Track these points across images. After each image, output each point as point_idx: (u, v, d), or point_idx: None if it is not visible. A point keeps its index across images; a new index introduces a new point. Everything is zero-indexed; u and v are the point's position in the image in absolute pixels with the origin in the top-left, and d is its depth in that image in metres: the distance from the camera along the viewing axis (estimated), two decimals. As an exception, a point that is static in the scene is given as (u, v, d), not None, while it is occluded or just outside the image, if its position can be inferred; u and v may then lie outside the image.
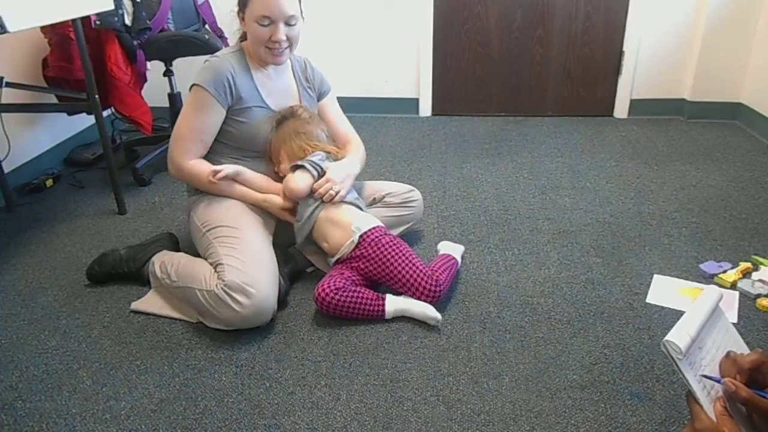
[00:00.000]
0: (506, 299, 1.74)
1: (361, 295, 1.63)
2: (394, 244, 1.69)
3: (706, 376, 0.77)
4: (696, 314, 0.80)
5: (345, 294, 1.62)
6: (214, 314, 1.58)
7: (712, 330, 0.81)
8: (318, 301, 1.62)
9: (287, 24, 1.73)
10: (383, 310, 1.63)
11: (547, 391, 1.40)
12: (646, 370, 1.46)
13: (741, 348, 0.83)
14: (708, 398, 0.76)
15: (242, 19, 1.78)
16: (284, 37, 1.73)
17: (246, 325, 1.58)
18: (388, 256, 1.67)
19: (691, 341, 0.76)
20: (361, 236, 1.70)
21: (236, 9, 1.79)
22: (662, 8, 3.15)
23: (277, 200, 1.80)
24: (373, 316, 1.64)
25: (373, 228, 1.72)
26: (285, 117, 1.83)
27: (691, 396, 0.77)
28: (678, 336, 0.76)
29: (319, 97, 1.99)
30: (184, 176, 1.81)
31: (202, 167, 1.78)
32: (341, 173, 1.79)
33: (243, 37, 1.86)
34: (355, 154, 1.93)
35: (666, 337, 0.76)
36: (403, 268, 1.66)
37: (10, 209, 2.39)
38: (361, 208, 1.82)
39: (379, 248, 1.68)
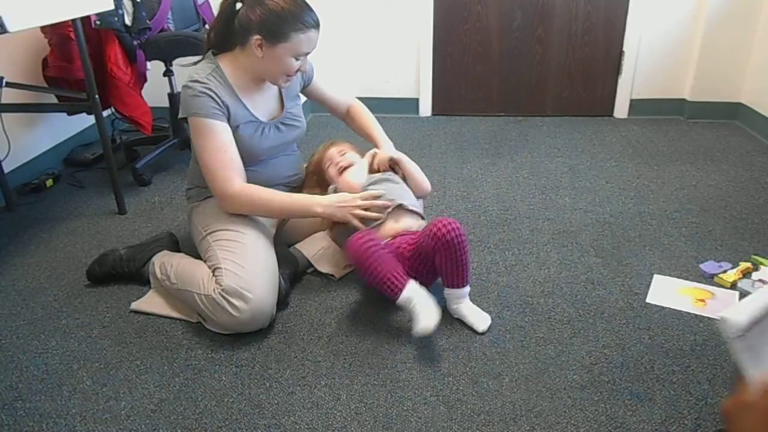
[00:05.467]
0: (506, 299, 1.74)
1: (389, 260, 1.58)
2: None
3: None
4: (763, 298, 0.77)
5: (377, 248, 1.57)
6: (213, 318, 1.58)
7: None
8: (351, 242, 1.57)
9: None
10: (402, 287, 1.54)
11: (547, 391, 1.40)
12: (646, 370, 1.46)
13: None
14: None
15: (260, 47, 1.64)
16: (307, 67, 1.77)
17: (244, 329, 1.58)
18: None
19: (749, 322, 0.73)
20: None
21: (257, 36, 1.62)
22: (662, 8, 3.15)
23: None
24: (389, 287, 1.54)
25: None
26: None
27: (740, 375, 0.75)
28: (737, 313, 0.73)
29: (309, 82, 1.98)
30: (244, 205, 1.71)
31: (264, 192, 1.71)
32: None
33: (215, 49, 1.74)
34: (370, 120, 2.13)
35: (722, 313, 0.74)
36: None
37: (10, 209, 2.39)
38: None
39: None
